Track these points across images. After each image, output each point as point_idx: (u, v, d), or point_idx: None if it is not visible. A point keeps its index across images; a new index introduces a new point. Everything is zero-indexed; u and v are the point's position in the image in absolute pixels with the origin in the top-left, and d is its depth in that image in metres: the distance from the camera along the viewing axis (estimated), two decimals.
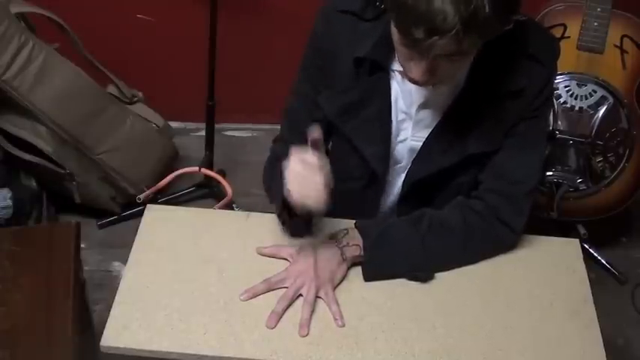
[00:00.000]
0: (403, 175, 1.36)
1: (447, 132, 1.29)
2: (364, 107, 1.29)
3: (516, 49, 1.22)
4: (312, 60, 1.33)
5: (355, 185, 1.41)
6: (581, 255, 1.38)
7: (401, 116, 1.31)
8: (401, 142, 1.34)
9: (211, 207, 2.35)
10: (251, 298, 1.24)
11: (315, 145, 1.14)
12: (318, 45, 1.31)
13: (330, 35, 1.28)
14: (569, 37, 2.03)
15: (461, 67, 1.17)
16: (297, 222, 1.28)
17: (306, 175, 1.13)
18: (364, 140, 1.32)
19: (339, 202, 1.34)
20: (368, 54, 1.24)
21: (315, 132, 1.14)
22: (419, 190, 1.36)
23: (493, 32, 1.07)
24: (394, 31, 1.10)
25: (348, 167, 1.38)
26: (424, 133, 1.31)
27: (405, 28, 1.04)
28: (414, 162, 1.34)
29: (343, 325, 1.21)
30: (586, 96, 2.04)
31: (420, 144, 1.32)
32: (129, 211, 2.33)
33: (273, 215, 1.37)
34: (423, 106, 1.29)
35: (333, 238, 1.29)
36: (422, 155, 1.32)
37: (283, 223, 1.33)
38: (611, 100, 2.04)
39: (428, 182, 1.34)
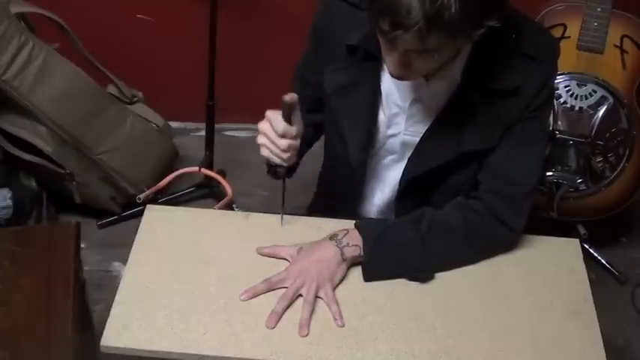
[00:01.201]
0: (399, 171, 1.37)
1: (441, 129, 1.29)
2: (355, 90, 1.31)
3: (510, 47, 1.22)
4: (313, 50, 1.36)
5: (341, 171, 1.42)
6: (581, 255, 1.38)
7: (394, 109, 1.31)
8: (393, 135, 1.34)
9: (211, 207, 2.35)
10: (251, 298, 1.24)
11: (288, 108, 1.20)
12: (317, 30, 1.33)
13: (329, 21, 1.30)
14: (569, 37, 2.04)
15: (436, 63, 1.15)
16: (274, 171, 1.34)
17: (270, 136, 1.23)
18: (349, 122, 1.34)
19: (332, 188, 1.48)
20: (361, 42, 1.25)
21: (289, 95, 1.19)
22: (416, 187, 1.36)
23: (462, 34, 1.05)
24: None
25: (335, 150, 1.40)
26: (417, 128, 1.31)
27: (374, 19, 1.06)
28: (409, 159, 1.34)
29: (343, 325, 1.21)
30: (586, 96, 2.04)
31: (413, 138, 1.32)
32: (129, 211, 2.33)
33: (274, 215, 1.37)
34: (416, 100, 1.29)
35: (333, 238, 1.29)
36: (417, 152, 1.32)
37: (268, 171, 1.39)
38: (611, 100, 2.04)
39: (424, 180, 1.34)
